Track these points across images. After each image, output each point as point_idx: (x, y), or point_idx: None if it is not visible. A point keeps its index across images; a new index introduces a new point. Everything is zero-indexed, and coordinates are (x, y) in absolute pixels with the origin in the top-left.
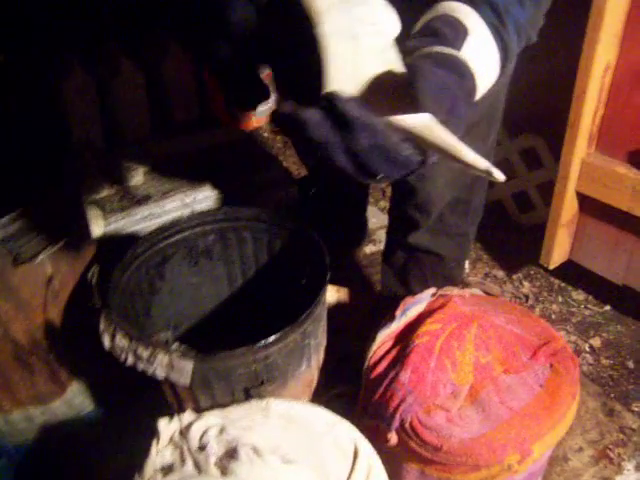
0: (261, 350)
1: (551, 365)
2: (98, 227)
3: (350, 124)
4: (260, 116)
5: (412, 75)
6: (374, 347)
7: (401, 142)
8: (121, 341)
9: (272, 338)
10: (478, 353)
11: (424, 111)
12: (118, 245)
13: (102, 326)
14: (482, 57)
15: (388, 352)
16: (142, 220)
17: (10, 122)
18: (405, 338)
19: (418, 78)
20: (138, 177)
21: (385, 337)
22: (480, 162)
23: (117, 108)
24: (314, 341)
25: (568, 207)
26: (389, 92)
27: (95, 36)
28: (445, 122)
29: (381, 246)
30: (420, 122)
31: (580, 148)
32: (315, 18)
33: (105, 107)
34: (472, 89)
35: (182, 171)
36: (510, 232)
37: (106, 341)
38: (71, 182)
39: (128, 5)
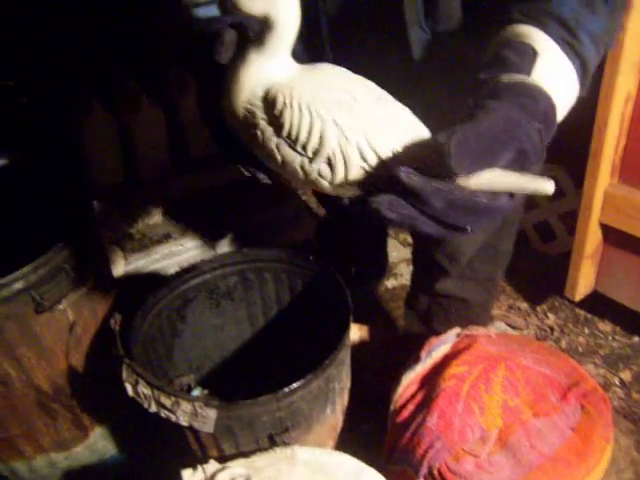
0: (285, 397)
1: (582, 407)
2: (119, 267)
3: (419, 196)
4: None
5: (440, 149)
6: (400, 390)
7: (476, 194)
8: (144, 390)
9: (296, 384)
10: (506, 396)
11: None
12: (139, 284)
13: (124, 375)
14: (556, 76)
15: (414, 395)
16: (162, 259)
17: (31, 163)
18: (431, 381)
19: (448, 156)
20: (158, 216)
21: (411, 379)
22: (544, 185)
23: (137, 145)
24: (338, 385)
25: (592, 238)
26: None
27: (115, 74)
28: (517, 162)
29: (402, 280)
30: (485, 181)
31: (603, 179)
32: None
33: (125, 144)
34: (548, 111)
35: (201, 209)
36: (533, 262)
37: (129, 389)
38: (92, 223)
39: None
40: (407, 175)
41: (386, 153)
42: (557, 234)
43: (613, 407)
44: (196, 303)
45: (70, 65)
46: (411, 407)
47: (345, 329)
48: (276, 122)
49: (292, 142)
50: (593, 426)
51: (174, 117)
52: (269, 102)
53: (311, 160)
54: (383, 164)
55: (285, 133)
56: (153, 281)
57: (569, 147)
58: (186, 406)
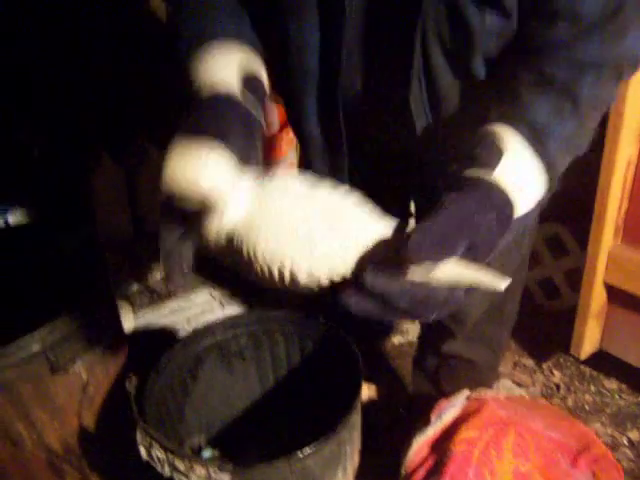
0: (298, 461)
1: (593, 473)
2: (128, 322)
3: (384, 296)
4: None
5: (404, 245)
6: (410, 454)
7: (435, 290)
8: (158, 453)
9: (309, 448)
10: (517, 461)
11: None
12: (148, 339)
13: (139, 438)
14: (519, 175)
15: (425, 459)
16: (171, 314)
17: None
18: (442, 445)
19: (408, 249)
20: None
21: (421, 443)
22: (491, 283)
23: (144, 197)
24: (350, 448)
25: (597, 298)
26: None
27: (123, 127)
28: (469, 254)
29: (409, 337)
30: (443, 274)
31: (606, 240)
32: None
33: (132, 197)
34: (504, 204)
35: (208, 264)
36: (537, 319)
37: (143, 453)
38: (107, 285)
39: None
40: (373, 278)
41: (354, 259)
42: (561, 291)
43: (623, 469)
44: (208, 363)
45: (80, 118)
46: (422, 472)
47: (356, 393)
48: (249, 264)
49: (268, 278)
50: None
51: None
52: (236, 249)
53: (289, 286)
54: (353, 268)
55: (260, 275)
56: (162, 336)
57: (573, 207)
58: (200, 470)
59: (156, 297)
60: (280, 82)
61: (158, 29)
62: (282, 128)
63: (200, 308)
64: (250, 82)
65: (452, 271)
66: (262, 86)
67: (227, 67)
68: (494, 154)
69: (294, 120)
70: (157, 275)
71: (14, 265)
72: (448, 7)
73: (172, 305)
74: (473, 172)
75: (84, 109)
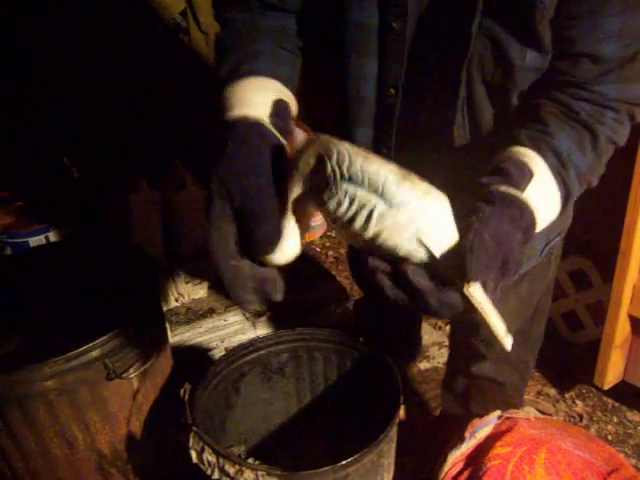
0: (342, 469)
1: None
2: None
3: (420, 291)
4: (313, 231)
5: (464, 253)
6: (445, 468)
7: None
8: (209, 457)
9: (352, 457)
10: (549, 477)
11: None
12: (185, 355)
13: (191, 442)
14: (544, 197)
15: (460, 473)
16: (206, 332)
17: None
18: (476, 460)
19: (468, 258)
20: (203, 290)
21: (456, 458)
22: (501, 331)
23: (179, 222)
24: (387, 460)
25: (621, 330)
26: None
27: (162, 154)
28: (501, 268)
29: (434, 363)
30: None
31: (632, 274)
32: None
33: (167, 221)
34: (531, 224)
35: None
36: (560, 350)
37: (194, 456)
38: (155, 293)
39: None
40: (414, 275)
41: (423, 251)
42: (584, 323)
43: None
44: (250, 377)
45: (118, 143)
46: None
47: (396, 406)
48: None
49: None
50: None
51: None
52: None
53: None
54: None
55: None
56: (197, 353)
57: (597, 243)
58: (249, 474)
59: (192, 316)
60: (336, 111)
61: (198, 60)
62: None
63: (233, 328)
64: (278, 104)
65: (479, 296)
66: (289, 107)
67: (258, 92)
68: (526, 175)
69: None
70: (194, 294)
71: (77, 279)
72: (493, 45)
73: (207, 324)
74: (507, 189)
75: (123, 135)
